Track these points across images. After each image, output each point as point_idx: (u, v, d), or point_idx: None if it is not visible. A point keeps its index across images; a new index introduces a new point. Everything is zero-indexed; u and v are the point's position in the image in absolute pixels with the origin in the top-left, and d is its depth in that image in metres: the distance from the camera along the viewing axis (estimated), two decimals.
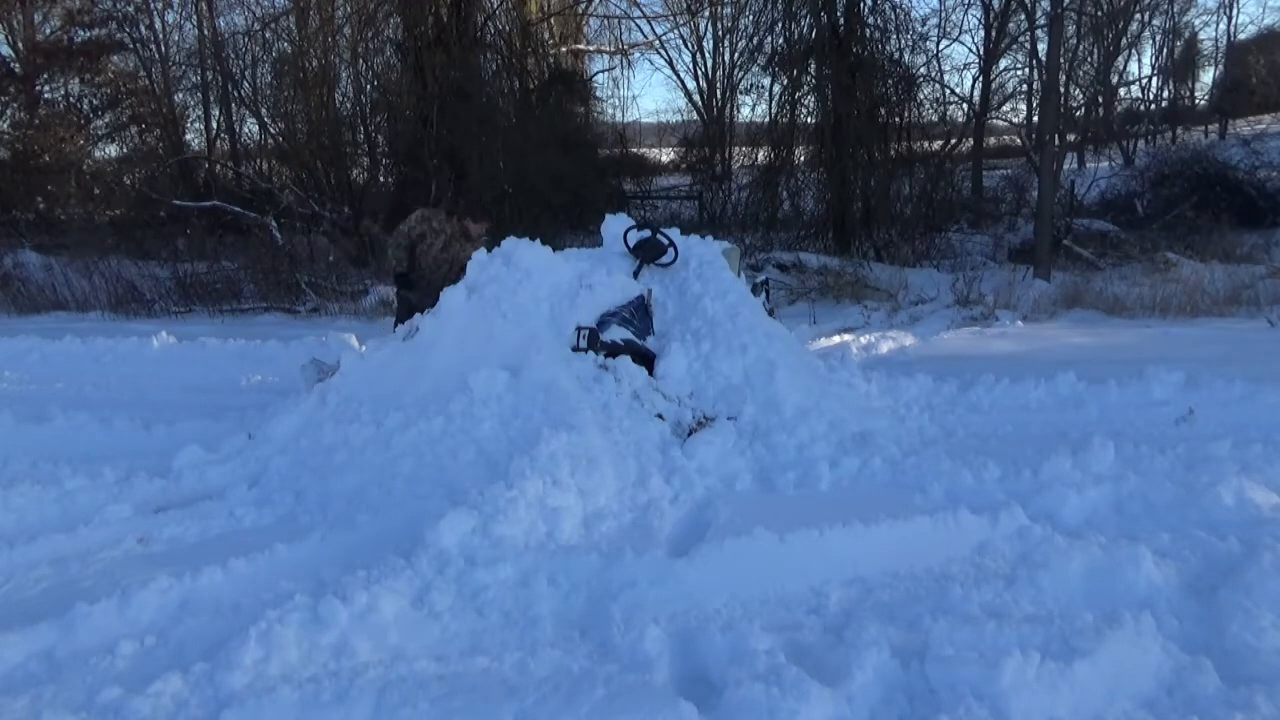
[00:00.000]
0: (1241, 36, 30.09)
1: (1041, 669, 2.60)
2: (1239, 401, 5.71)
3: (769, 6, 15.77)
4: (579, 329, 5.07)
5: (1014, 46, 20.31)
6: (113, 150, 21.55)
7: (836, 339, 9.13)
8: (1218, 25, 35.07)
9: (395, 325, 6.40)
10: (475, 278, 5.29)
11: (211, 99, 21.58)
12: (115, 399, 6.88)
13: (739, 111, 24.92)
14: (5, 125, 20.00)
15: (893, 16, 15.29)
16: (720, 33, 24.88)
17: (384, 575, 3.32)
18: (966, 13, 20.03)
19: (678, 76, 27.81)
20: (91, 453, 5.25)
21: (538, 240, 5.59)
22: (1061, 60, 14.40)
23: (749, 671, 2.66)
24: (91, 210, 17.77)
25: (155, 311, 12.56)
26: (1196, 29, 28.77)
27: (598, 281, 5.34)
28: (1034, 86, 19.98)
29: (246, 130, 21.45)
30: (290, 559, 3.70)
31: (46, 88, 20.67)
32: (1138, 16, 20.37)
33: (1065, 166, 18.70)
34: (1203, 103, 29.40)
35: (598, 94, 22.23)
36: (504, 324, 5.04)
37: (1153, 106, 26.33)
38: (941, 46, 19.89)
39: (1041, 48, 17.02)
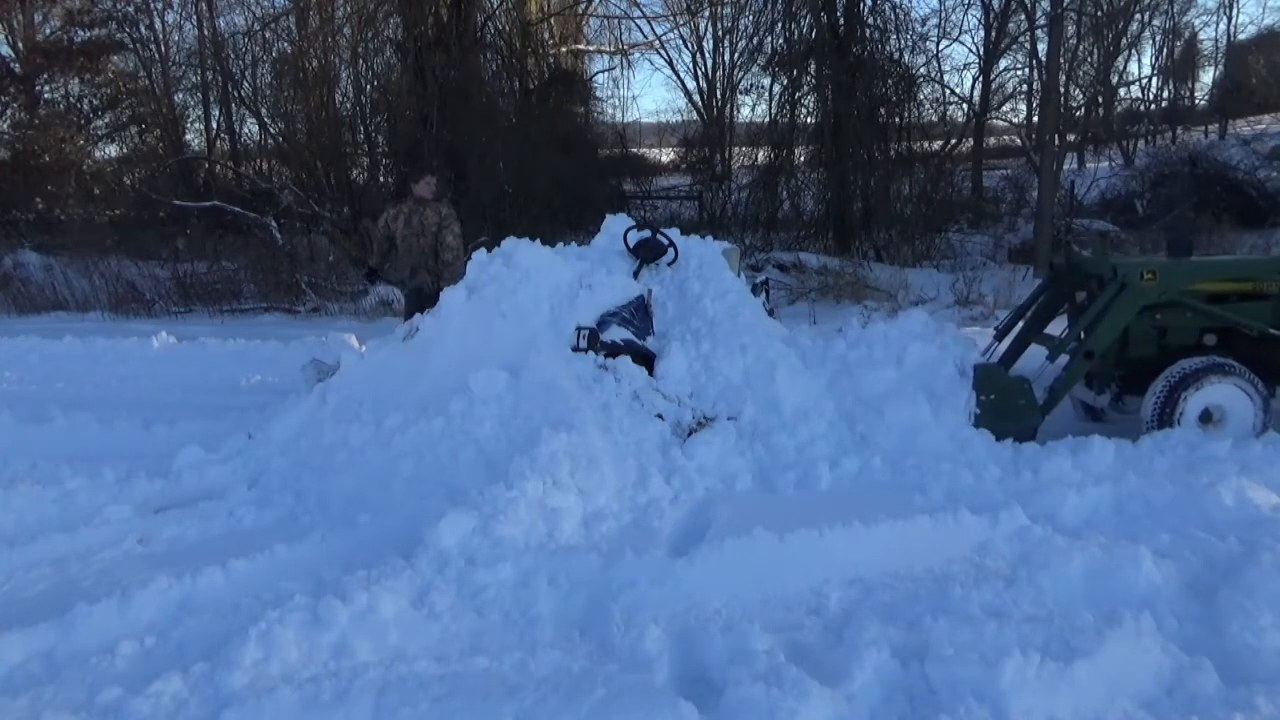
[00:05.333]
0: (1241, 36, 30.12)
1: (1041, 669, 2.60)
2: None
3: (769, 6, 15.76)
4: (579, 329, 5.07)
5: (1014, 46, 20.30)
6: (113, 150, 21.54)
7: None
8: (1218, 25, 35.09)
9: (406, 317, 6.44)
10: (475, 278, 5.30)
11: (211, 99, 21.56)
12: (115, 399, 6.88)
13: (739, 111, 24.88)
14: (5, 125, 20.00)
15: (892, 16, 15.30)
16: (720, 33, 24.85)
17: (384, 575, 3.33)
18: (966, 13, 20.06)
19: (678, 76, 27.80)
20: (91, 453, 5.26)
21: (538, 240, 5.59)
22: (1061, 60, 14.40)
23: (749, 671, 2.66)
24: (91, 210, 17.73)
25: (155, 311, 12.56)
26: (1196, 29, 28.79)
27: (598, 281, 5.34)
28: (1034, 86, 19.98)
29: (246, 130, 21.46)
30: (290, 559, 3.70)
31: (46, 88, 20.64)
32: (1138, 16, 20.35)
33: (1065, 166, 18.69)
34: (1203, 103, 29.40)
35: (598, 94, 22.21)
36: (504, 324, 5.05)
37: (1153, 106, 26.33)
38: (941, 46, 19.90)
39: (1041, 48, 17.05)
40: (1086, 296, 5.70)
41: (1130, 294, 5.19)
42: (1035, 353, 5.73)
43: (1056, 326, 5.98)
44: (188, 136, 22.05)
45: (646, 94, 77.34)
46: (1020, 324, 6.04)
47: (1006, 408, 5.03)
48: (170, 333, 9.27)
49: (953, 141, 17.82)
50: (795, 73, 15.69)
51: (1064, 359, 5.32)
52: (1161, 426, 4.99)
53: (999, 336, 6.05)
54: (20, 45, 20.25)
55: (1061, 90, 15.23)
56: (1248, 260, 6.32)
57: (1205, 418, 5.04)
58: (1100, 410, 5.82)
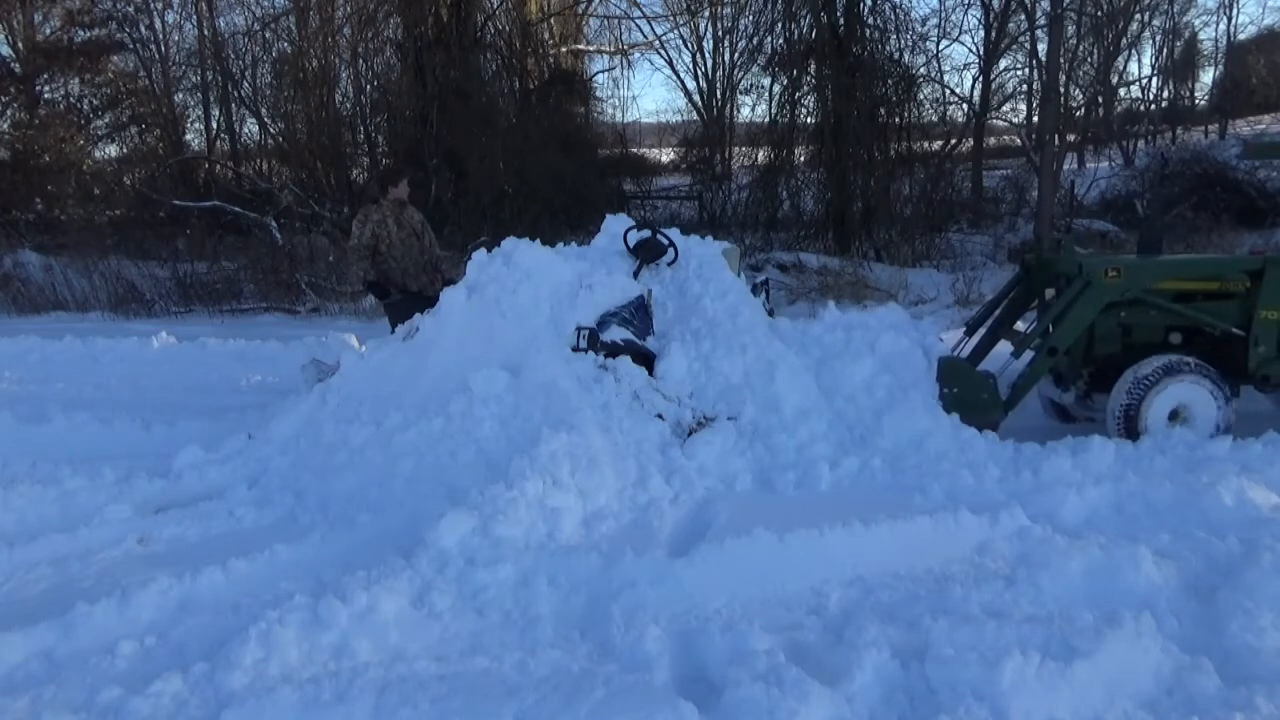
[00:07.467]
0: (1241, 36, 30.11)
1: (1041, 669, 2.60)
2: None
3: (769, 7, 15.78)
4: (579, 329, 5.06)
5: (1014, 46, 20.34)
6: (113, 150, 21.57)
7: None
8: (1218, 25, 35.12)
9: (392, 329, 6.37)
10: (475, 278, 5.29)
11: (211, 99, 21.59)
12: (115, 399, 6.88)
13: (739, 111, 24.92)
14: (5, 125, 20.01)
15: (892, 17, 15.32)
16: (720, 33, 24.88)
17: (384, 575, 3.32)
18: (966, 13, 20.07)
19: (678, 76, 27.89)
20: (91, 453, 5.25)
21: (538, 240, 5.58)
22: (1061, 60, 14.42)
23: (749, 671, 2.65)
24: (91, 210, 17.74)
25: (155, 311, 12.57)
26: (1196, 29, 28.79)
27: (598, 281, 5.33)
28: (1034, 86, 19.99)
29: (246, 130, 21.53)
30: (290, 559, 3.70)
31: (46, 88, 20.66)
32: (1138, 16, 20.38)
33: (1065, 166, 18.70)
34: (1203, 103, 29.39)
35: (598, 94, 22.24)
36: (504, 324, 5.04)
37: (1153, 106, 26.32)
38: (941, 46, 19.94)
39: (1041, 48, 17.08)
40: (1055, 293, 5.70)
41: (1094, 291, 5.18)
42: (1005, 348, 5.74)
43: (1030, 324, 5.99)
44: (188, 136, 22.13)
45: (646, 94, 77.35)
46: (990, 319, 6.04)
47: (969, 401, 5.05)
48: (170, 333, 9.27)
49: (953, 141, 17.83)
50: (795, 73, 15.70)
51: (1029, 355, 5.32)
52: (1128, 425, 5.00)
53: (969, 331, 6.07)
54: (20, 45, 20.26)
55: (1061, 90, 15.24)
56: (1213, 259, 6.32)
57: (1172, 416, 5.05)
58: (1067, 408, 5.81)
